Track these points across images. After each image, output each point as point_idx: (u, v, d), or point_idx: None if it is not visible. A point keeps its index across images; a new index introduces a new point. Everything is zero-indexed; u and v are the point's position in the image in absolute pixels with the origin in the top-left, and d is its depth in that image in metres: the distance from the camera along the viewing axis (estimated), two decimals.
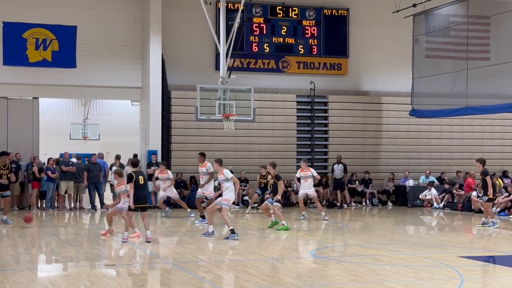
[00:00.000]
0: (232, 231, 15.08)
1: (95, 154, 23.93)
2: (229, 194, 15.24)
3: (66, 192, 22.80)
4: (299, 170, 20.09)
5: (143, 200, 14.50)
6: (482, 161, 18.31)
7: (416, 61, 24.77)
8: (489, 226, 17.84)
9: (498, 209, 21.13)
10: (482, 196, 21.57)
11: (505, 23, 21.47)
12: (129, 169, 18.43)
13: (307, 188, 19.77)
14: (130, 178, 14.40)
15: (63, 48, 23.87)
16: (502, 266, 12.32)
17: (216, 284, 10.05)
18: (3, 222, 17.71)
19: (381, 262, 12.23)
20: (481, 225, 18.09)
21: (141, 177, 14.40)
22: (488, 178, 17.97)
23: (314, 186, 20.73)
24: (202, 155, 18.82)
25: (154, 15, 23.79)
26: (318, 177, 21.14)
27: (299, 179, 19.97)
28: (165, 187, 20.02)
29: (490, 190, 17.98)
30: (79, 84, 24.22)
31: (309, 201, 23.26)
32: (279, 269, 11.76)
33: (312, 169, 19.94)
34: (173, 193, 20.27)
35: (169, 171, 20.55)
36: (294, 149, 25.65)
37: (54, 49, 23.83)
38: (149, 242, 14.19)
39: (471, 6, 22.36)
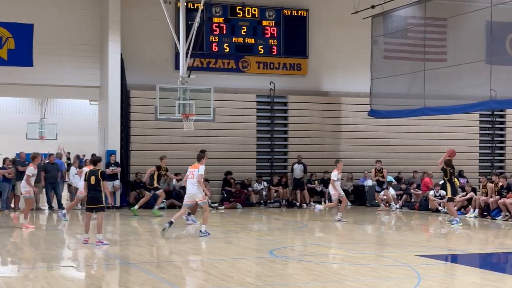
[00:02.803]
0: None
1: (52, 154, 23.62)
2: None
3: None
4: (336, 171, 19.65)
5: (93, 201, 14.05)
6: (446, 163, 18.82)
7: (374, 62, 25.02)
8: (454, 223, 18.36)
9: (455, 208, 21.46)
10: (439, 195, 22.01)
11: (461, 25, 21.82)
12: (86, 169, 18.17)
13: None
14: (85, 177, 14.32)
15: (20, 46, 23.48)
16: (458, 265, 12.54)
17: (175, 284, 10.00)
18: None
19: (340, 261, 12.33)
20: (449, 222, 18.61)
21: (92, 177, 13.97)
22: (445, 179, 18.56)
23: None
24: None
25: (113, 13, 23.56)
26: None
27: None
28: None
29: (449, 190, 18.70)
30: (36, 83, 23.86)
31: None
32: (238, 269, 11.76)
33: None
34: None
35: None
36: (254, 149, 25.66)
37: (10, 47, 23.42)
38: (98, 245, 13.83)
39: (428, 8, 22.67)
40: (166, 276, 10.72)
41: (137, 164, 24.15)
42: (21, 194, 18.51)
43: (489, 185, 20.71)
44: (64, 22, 24.04)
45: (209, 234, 15.46)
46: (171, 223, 15.16)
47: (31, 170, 17.42)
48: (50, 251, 13.47)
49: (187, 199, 15.75)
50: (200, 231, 15.52)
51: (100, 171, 14.14)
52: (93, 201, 14.04)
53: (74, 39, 24.17)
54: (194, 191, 15.49)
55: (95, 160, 14.60)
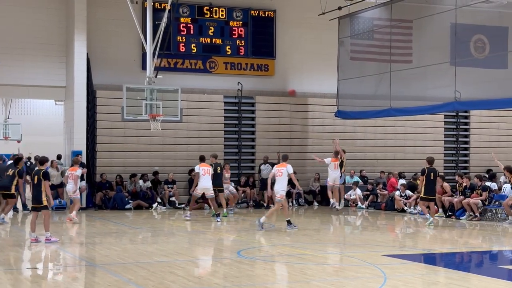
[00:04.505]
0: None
1: (17, 155, 23.30)
2: None
3: None
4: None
5: (34, 201, 14.44)
6: (427, 161, 18.95)
7: (341, 63, 25.17)
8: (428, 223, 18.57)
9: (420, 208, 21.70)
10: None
11: (427, 27, 22.07)
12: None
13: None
14: (31, 176, 14.57)
15: None
16: (424, 264, 12.68)
17: (142, 285, 9.95)
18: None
19: (307, 261, 12.38)
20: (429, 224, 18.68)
21: (36, 177, 14.28)
22: (421, 178, 18.83)
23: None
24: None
25: (79, 13, 23.35)
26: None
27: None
28: None
29: (420, 189, 19.29)
30: (1, 82, 23.59)
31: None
32: (206, 270, 11.75)
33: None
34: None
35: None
36: (222, 150, 25.63)
37: None
38: (47, 242, 14.15)
39: (394, 10, 22.89)
40: (132, 277, 10.66)
41: (103, 165, 23.99)
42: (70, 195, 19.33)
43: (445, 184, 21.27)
44: (29, 21, 23.76)
45: (295, 226, 16.96)
46: (260, 223, 16.72)
47: (79, 172, 19.01)
48: (14, 253, 13.31)
49: (276, 195, 17.07)
50: (288, 224, 16.98)
51: (42, 171, 14.41)
52: (35, 201, 14.43)
53: (39, 38, 23.91)
54: (279, 188, 16.74)
55: (41, 160, 14.76)
